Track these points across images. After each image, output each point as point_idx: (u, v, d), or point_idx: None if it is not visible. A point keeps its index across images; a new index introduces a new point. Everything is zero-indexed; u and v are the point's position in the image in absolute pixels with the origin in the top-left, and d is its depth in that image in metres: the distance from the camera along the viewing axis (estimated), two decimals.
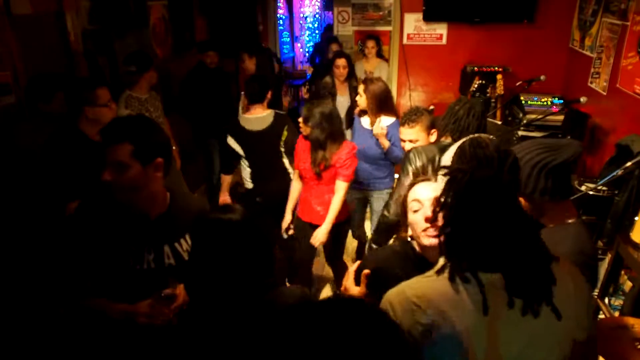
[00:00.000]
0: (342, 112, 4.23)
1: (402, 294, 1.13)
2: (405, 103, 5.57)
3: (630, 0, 3.46)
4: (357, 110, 3.43)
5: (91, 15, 3.30)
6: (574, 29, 4.70)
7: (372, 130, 3.16)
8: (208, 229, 1.38)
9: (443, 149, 2.27)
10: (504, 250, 1.08)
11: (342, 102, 4.39)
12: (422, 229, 1.42)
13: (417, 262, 1.46)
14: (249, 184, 3.31)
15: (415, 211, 1.46)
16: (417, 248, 1.50)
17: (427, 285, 1.13)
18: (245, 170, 3.29)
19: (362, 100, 3.22)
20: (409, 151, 2.36)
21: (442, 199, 1.16)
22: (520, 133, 3.90)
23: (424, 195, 1.46)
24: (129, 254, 1.60)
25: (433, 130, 2.57)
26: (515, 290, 1.07)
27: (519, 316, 1.07)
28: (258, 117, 3.18)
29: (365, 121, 3.28)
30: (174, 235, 1.67)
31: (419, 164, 2.27)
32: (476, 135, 1.72)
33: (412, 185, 1.54)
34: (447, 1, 5.04)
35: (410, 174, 2.29)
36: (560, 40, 4.84)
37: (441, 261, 1.15)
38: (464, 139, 1.63)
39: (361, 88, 3.22)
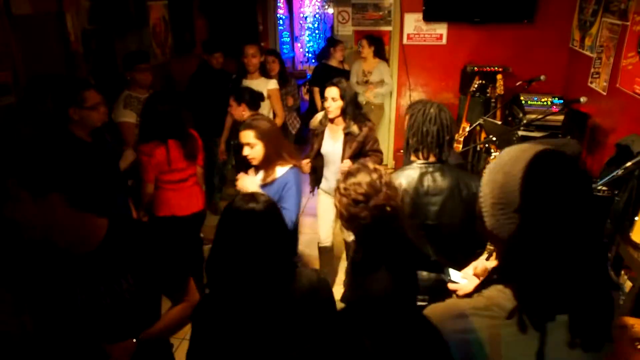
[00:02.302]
0: (333, 168, 3.13)
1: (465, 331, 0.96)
2: (405, 103, 5.58)
3: (630, 0, 3.46)
4: (247, 175, 2.57)
5: (91, 15, 3.29)
6: (574, 29, 4.70)
7: (260, 185, 2.48)
8: (233, 217, 1.41)
9: (409, 176, 2.06)
10: (579, 282, 0.91)
11: (332, 151, 3.13)
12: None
13: None
14: None
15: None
16: None
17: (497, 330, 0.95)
18: None
19: (257, 152, 2.43)
20: None
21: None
22: (520, 133, 3.90)
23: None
24: (60, 292, 1.44)
25: None
26: (580, 330, 0.92)
27: (579, 354, 0.95)
28: None
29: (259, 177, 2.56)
30: (109, 274, 1.46)
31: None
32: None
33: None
34: (447, 1, 5.05)
35: None
36: (560, 40, 4.85)
37: (498, 295, 0.96)
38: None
39: (252, 135, 2.41)
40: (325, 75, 5.08)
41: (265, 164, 2.47)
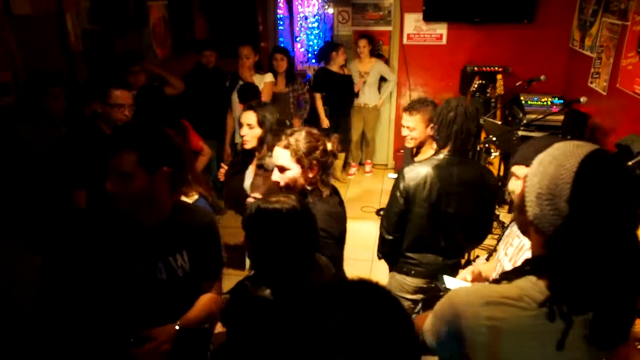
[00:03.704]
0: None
1: (482, 312, 0.99)
2: (405, 103, 5.57)
3: (630, 0, 3.46)
4: None
5: (91, 15, 3.29)
6: (574, 29, 4.70)
7: None
8: (260, 217, 1.45)
9: (438, 166, 2.16)
10: (611, 282, 0.94)
11: (247, 187, 2.62)
12: None
13: None
14: None
15: None
16: None
17: (515, 313, 0.98)
18: None
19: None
20: (401, 169, 2.25)
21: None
22: (520, 133, 3.90)
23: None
24: (119, 265, 1.53)
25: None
26: (601, 328, 0.97)
27: (594, 350, 0.99)
28: None
29: None
30: (169, 249, 1.58)
31: (412, 183, 2.15)
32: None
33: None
34: (447, 1, 5.05)
35: (399, 193, 2.19)
36: (560, 40, 4.85)
37: (528, 287, 0.98)
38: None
39: None
40: (326, 80, 5.03)
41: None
